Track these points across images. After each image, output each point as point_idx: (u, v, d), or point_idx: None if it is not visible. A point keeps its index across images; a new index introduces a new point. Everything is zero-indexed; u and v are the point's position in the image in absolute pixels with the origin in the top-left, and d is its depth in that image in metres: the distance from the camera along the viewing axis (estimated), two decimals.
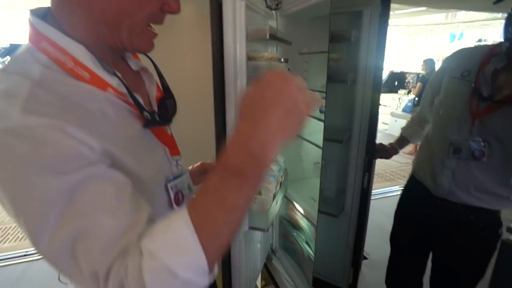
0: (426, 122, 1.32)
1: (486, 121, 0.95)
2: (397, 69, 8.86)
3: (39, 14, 0.49)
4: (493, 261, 1.09)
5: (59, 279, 0.73)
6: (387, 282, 1.47)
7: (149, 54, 0.62)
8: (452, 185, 1.05)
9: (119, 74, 0.52)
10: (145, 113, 0.54)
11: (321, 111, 1.33)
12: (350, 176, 1.53)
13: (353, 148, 1.48)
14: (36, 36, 0.47)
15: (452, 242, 1.14)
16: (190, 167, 0.93)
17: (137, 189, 0.45)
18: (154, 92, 0.63)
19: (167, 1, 0.50)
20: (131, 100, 0.53)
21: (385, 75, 8.15)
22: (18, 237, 2.78)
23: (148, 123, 0.55)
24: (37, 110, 0.39)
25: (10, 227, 2.96)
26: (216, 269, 0.43)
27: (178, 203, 0.62)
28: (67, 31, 0.47)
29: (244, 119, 0.41)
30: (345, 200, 1.58)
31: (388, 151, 1.37)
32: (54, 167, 0.38)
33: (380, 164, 4.39)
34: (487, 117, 0.95)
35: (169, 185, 0.60)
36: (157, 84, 0.67)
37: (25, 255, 2.44)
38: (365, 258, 2.35)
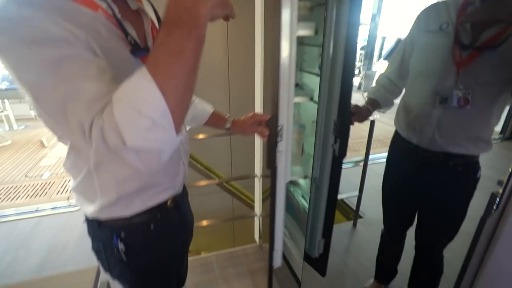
0: (394, 85, 1.32)
1: (470, 69, 0.99)
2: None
3: None
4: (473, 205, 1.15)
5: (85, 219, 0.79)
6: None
7: None
8: (436, 134, 1.10)
9: (113, 4, 0.57)
10: (130, 38, 0.60)
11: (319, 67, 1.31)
12: (318, 139, 1.31)
13: (322, 108, 1.24)
14: None
15: (433, 190, 1.20)
16: (243, 117, 1.04)
17: None
18: (149, 31, 0.68)
19: None
20: (125, 29, 0.59)
21: (392, 42, 7.92)
22: (29, 194, 2.91)
23: (133, 48, 0.60)
24: (32, 5, 0.47)
25: (21, 185, 3.09)
26: (184, 131, 0.55)
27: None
28: None
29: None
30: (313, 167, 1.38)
31: (362, 113, 1.31)
32: (45, 43, 0.46)
33: (380, 130, 4.41)
34: (471, 65, 0.98)
35: None
36: (154, 25, 0.70)
37: (36, 211, 2.57)
38: (361, 217, 2.45)
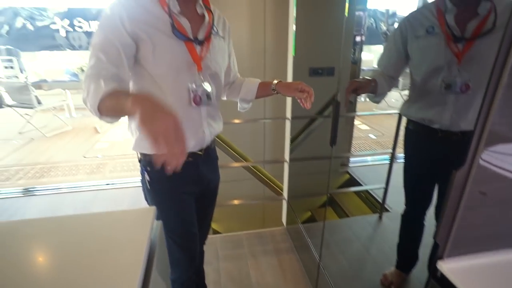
0: (391, 78, 1.44)
1: (467, 58, 1.13)
2: None
3: None
4: None
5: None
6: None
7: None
8: (454, 117, 1.23)
9: (176, 2, 0.90)
10: (171, 21, 0.90)
11: None
12: None
13: None
14: None
15: (452, 165, 1.28)
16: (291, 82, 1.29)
17: (166, 76, 0.91)
18: (205, 28, 0.98)
19: None
20: (178, 20, 0.91)
21: None
22: (87, 171, 3.33)
23: (172, 28, 0.90)
24: (126, 4, 0.85)
25: (81, 164, 3.54)
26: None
27: (196, 103, 0.96)
28: None
29: (138, 103, 0.65)
30: None
31: (366, 84, 1.40)
32: (106, 28, 0.84)
33: None
34: (468, 54, 1.13)
35: (190, 89, 0.95)
36: (210, 27, 1.00)
37: (93, 185, 2.95)
38: (387, 210, 2.50)
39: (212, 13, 1.01)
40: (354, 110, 3.28)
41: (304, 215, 2.94)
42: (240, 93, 1.22)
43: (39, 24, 6.63)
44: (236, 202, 2.20)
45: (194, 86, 0.95)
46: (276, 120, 2.56)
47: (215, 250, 2.10)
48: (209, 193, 1.22)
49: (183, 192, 1.07)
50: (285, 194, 2.28)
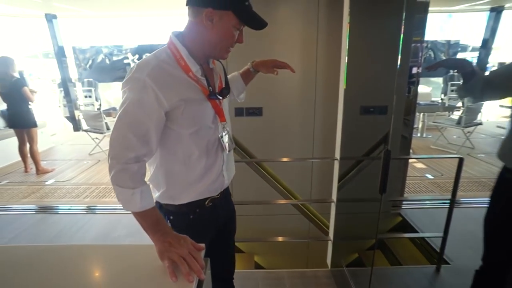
0: (490, 82, 1.27)
1: None
2: None
3: (176, 33, 1.01)
4: None
5: None
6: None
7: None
8: None
9: (201, 67, 1.02)
10: (209, 87, 1.02)
11: None
12: None
13: None
14: (171, 43, 0.99)
15: None
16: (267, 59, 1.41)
17: (196, 133, 1.01)
18: (217, 82, 1.11)
19: (239, 39, 1.00)
20: (201, 82, 1.01)
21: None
22: (112, 195, 3.60)
23: (210, 94, 1.02)
24: (150, 75, 0.90)
25: (107, 187, 3.89)
26: (227, 156, 1.12)
27: (224, 149, 1.10)
28: (186, 44, 0.99)
29: (159, 234, 0.89)
30: None
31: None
32: (135, 103, 0.90)
33: (479, 170, 3.92)
34: None
35: (220, 138, 1.09)
36: (221, 79, 1.13)
37: (118, 208, 3.20)
38: (447, 262, 2.26)
39: (219, 62, 1.15)
40: (408, 147, 3.12)
41: (351, 256, 2.78)
42: (235, 93, 1.38)
43: (114, 58, 7.61)
44: (280, 239, 2.18)
45: (221, 135, 1.09)
46: (324, 159, 2.55)
47: (257, 286, 2.07)
48: (227, 228, 1.31)
49: (203, 238, 1.12)
50: (331, 234, 2.21)
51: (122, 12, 5.79)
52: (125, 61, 7.64)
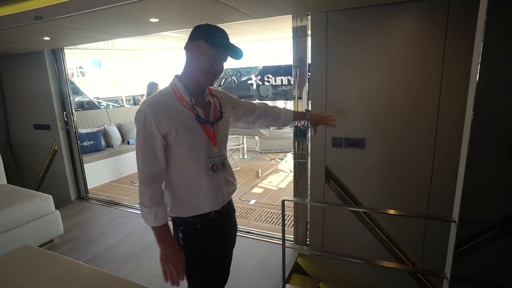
0: None
1: None
2: None
3: (177, 75, 1.27)
4: None
5: None
6: None
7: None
8: None
9: (191, 97, 1.24)
10: (195, 111, 1.23)
11: None
12: None
13: None
14: (172, 81, 1.26)
15: None
16: (320, 113, 1.83)
17: (190, 154, 1.22)
18: (212, 112, 1.31)
19: (218, 67, 1.20)
20: (193, 110, 1.23)
21: None
22: (237, 214, 3.66)
23: (197, 117, 1.23)
24: (150, 106, 1.17)
25: (236, 205, 3.94)
26: (225, 174, 1.37)
27: (214, 170, 1.26)
28: (182, 80, 1.25)
29: (163, 245, 1.24)
30: None
31: None
32: (145, 137, 1.17)
33: None
34: None
35: (209, 160, 1.26)
36: (217, 110, 1.33)
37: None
38: None
39: (216, 97, 1.36)
40: None
41: None
42: (279, 122, 1.66)
43: (242, 78, 8.39)
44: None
45: (212, 158, 1.26)
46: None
47: None
48: (229, 237, 1.48)
49: (213, 245, 1.36)
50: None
51: (248, 38, 6.28)
52: (249, 81, 8.30)
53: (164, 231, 1.22)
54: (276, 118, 1.63)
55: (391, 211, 1.93)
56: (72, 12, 1.96)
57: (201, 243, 1.32)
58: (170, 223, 1.32)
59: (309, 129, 2.65)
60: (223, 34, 1.18)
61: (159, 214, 1.19)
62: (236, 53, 1.19)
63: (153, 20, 2.32)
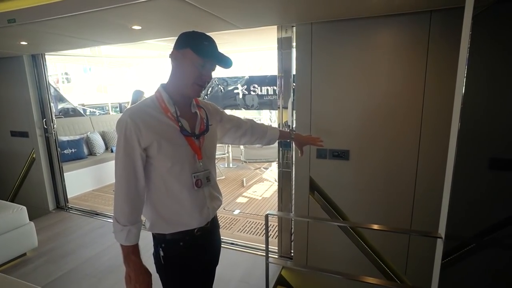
0: None
1: None
2: None
3: (163, 84, 1.21)
4: None
5: None
6: None
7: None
8: None
9: (176, 108, 1.17)
10: (180, 123, 1.16)
11: None
12: None
13: None
14: (157, 90, 1.19)
15: None
16: (305, 135, 1.76)
17: (173, 168, 1.14)
18: (199, 125, 1.24)
19: (206, 75, 1.14)
20: (177, 121, 1.16)
21: None
22: (221, 224, 3.58)
23: (181, 129, 1.16)
24: (131, 116, 1.10)
25: (220, 215, 3.86)
26: (210, 189, 1.27)
27: (198, 186, 1.19)
28: (167, 89, 1.18)
29: (127, 264, 1.17)
30: None
31: None
32: (125, 149, 1.10)
33: None
34: None
35: (193, 175, 1.18)
36: (203, 122, 1.27)
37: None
38: None
39: (203, 109, 1.30)
40: None
41: None
42: (265, 141, 1.60)
43: (228, 88, 8.38)
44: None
45: (196, 172, 1.19)
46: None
47: None
48: (213, 255, 1.39)
49: (196, 264, 1.27)
50: None
51: (235, 48, 6.30)
52: (235, 91, 8.30)
53: (131, 251, 1.14)
54: (262, 136, 1.58)
55: (376, 226, 1.91)
56: (48, 16, 1.90)
57: (183, 261, 1.24)
58: (150, 239, 1.28)
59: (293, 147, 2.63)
60: (211, 42, 1.12)
61: (132, 233, 1.13)
62: (225, 62, 1.13)
63: (136, 27, 2.28)
